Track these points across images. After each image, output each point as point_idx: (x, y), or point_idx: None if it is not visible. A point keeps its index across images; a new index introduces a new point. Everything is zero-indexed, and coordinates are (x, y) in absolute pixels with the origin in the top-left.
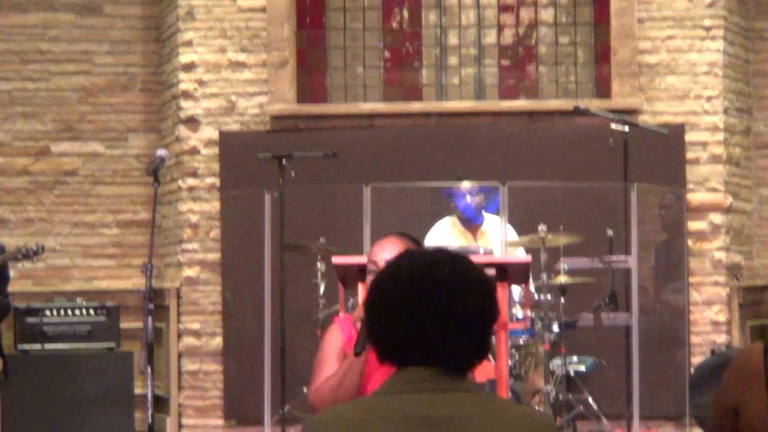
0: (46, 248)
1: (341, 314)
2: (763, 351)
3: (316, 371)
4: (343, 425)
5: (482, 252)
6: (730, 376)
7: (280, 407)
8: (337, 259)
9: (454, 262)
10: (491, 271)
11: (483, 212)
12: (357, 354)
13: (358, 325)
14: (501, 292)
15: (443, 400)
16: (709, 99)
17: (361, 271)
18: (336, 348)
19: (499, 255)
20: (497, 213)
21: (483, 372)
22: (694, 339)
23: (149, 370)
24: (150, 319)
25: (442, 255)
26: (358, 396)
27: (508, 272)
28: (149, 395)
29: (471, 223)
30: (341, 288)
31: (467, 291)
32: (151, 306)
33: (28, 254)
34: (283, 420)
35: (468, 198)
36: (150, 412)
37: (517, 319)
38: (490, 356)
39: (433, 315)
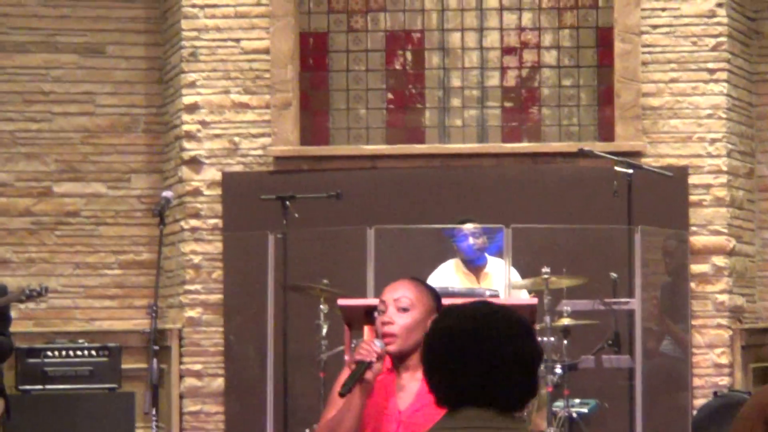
0: (49, 289)
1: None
2: None
3: (324, 411)
4: None
5: (488, 294)
6: (739, 423)
7: None
8: (342, 301)
9: (498, 311)
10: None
11: (486, 254)
12: (342, 395)
13: (352, 366)
14: None
15: None
16: (712, 142)
17: (367, 313)
18: None
19: (504, 297)
20: (499, 255)
21: None
22: (696, 381)
23: (154, 411)
24: (155, 360)
25: (486, 305)
26: None
27: None
28: None
29: (474, 264)
30: (346, 330)
31: (515, 336)
32: (156, 347)
33: (31, 295)
34: None
35: (471, 240)
36: None
37: None
38: None
39: (489, 361)
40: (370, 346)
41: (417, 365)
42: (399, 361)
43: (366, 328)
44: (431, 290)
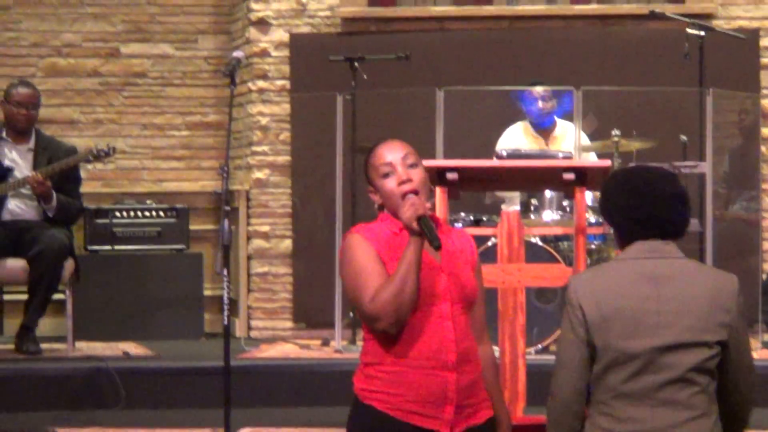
0: (117, 150)
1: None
2: None
3: (362, 284)
4: (606, 278)
5: (561, 156)
6: None
7: (351, 310)
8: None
9: (651, 166)
10: (570, 176)
11: (555, 117)
12: (439, 246)
13: (413, 225)
14: (579, 196)
15: (664, 263)
16: None
17: (438, 174)
18: (373, 257)
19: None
20: (570, 118)
21: (560, 277)
22: (766, 245)
23: (225, 272)
24: (226, 221)
25: (640, 165)
26: (417, 297)
27: (587, 177)
28: (225, 297)
29: (542, 127)
30: None
31: (675, 180)
32: (227, 208)
33: (99, 156)
34: (353, 323)
35: (540, 102)
36: (226, 313)
37: (591, 225)
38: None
39: (659, 200)
40: (419, 200)
41: None
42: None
43: (438, 189)
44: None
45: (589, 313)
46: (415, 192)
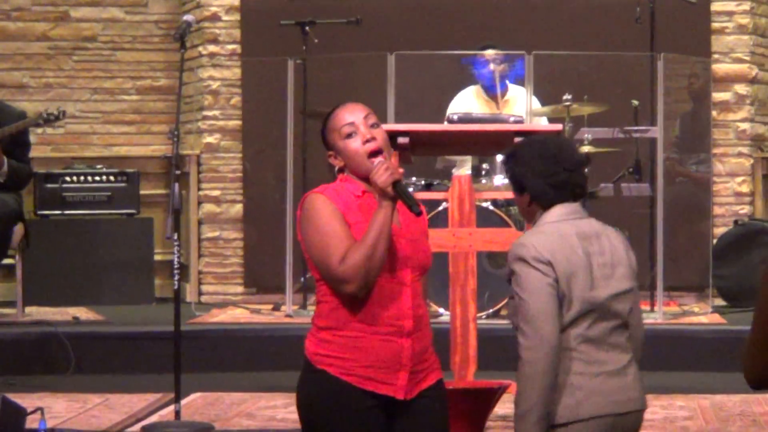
0: (67, 114)
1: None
2: None
3: (331, 246)
4: (555, 238)
5: (512, 120)
6: None
7: (302, 275)
8: None
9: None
10: (521, 140)
11: (507, 81)
12: (419, 213)
13: (389, 189)
14: None
15: (589, 222)
16: None
17: (390, 138)
18: (339, 218)
19: (526, 124)
20: (522, 82)
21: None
22: (717, 210)
23: (176, 236)
24: (176, 185)
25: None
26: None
27: None
28: (176, 262)
29: (494, 91)
30: None
31: (578, 148)
32: (177, 172)
33: (49, 119)
34: (304, 288)
35: (491, 66)
36: (176, 278)
37: None
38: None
39: (574, 166)
40: (391, 164)
41: None
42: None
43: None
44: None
45: (558, 268)
46: (380, 150)
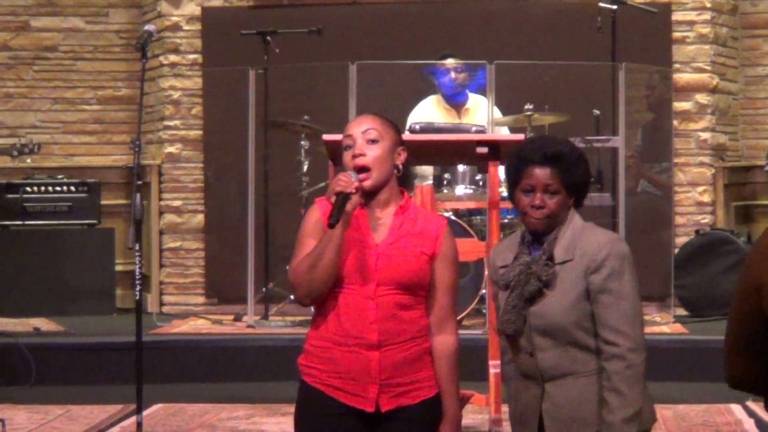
0: (41, 147)
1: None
2: None
3: (296, 250)
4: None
5: (474, 130)
6: (753, 255)
7: (264, 285)
8: (328, 136)
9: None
10: (483, 150)
11: (467, 90)
12: (331, 226)
13: (332, 199)
14: (492, 170)
15: None
16: None
17: None
18: (315, 227)
19: (488, 134)
20: (484, 92)
21: (473, 251)
22: (679, 219)
23: (137, 247)
24: (138, 195)
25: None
26: (335, 272)
27: (500, 150)
28: (137, 272)
29: (454, 100)
30: (331, 165)
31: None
32: (139, 182)
33: (22, 152)
34: (266, 298)
35: (452, 74)
36: (138, 288)
37: (503, 198)
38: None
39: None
40: (348, 177)
41: (388, 200)
42: (370, 197)
43: None
44: (394, 124)
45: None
46: (365, 168)
